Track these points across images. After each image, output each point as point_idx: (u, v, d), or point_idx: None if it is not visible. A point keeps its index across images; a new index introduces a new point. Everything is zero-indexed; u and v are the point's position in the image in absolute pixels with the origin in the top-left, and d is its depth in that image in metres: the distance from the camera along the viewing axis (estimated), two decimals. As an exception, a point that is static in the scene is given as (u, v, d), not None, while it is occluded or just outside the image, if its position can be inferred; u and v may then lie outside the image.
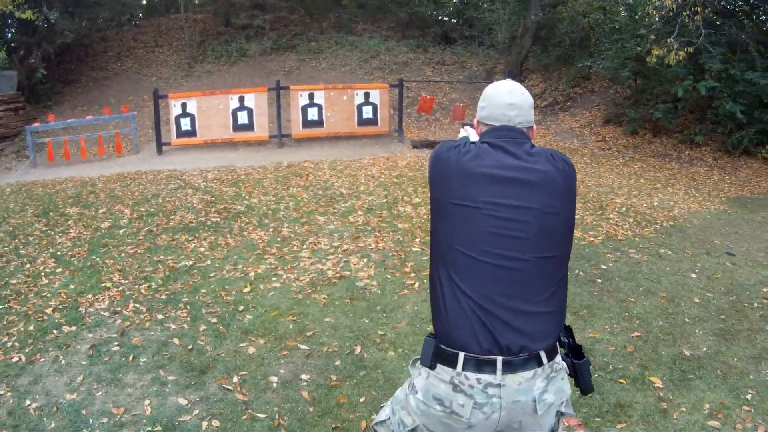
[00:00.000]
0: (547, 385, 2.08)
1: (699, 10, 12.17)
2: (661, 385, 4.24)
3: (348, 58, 20.65)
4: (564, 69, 18.25)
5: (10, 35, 19.18)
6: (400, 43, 21.62)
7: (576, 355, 2.23)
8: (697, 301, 5.81)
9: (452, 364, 2.05)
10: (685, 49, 11.97)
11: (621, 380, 4.30)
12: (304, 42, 21.58)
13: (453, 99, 17.91)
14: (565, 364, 2.20)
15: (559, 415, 2.19)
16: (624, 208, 9.03)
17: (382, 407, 2.47)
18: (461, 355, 2.03)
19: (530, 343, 2.03)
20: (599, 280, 6.19)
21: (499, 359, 2.00)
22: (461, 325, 2.04)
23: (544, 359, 2.07)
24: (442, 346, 2.08)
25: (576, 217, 6.80)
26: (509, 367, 2.01)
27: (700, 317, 5.43)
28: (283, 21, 22.67)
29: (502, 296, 2.03)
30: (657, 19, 12.97)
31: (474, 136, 2.42)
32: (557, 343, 2.17)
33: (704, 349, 4.81)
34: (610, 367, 4.47)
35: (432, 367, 2.10)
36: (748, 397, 4.15)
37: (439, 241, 2.14)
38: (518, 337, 2.02)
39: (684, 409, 3.99)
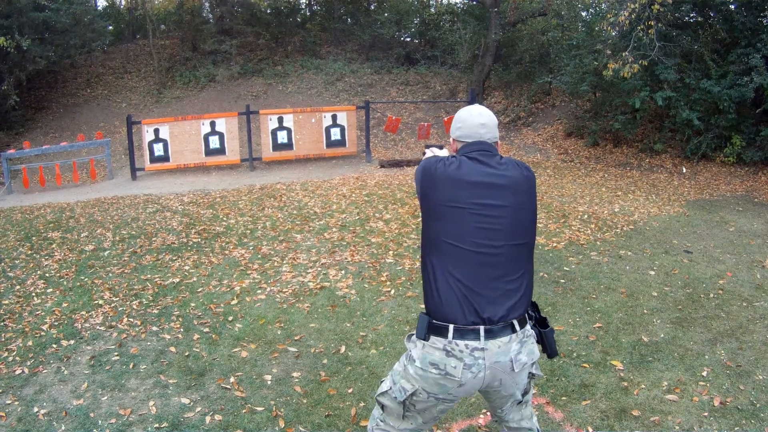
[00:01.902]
0: (521, 347, 2.57)
1: (652, 23, 12.73)
2: (622, 368, 4.66)
3: (314, 81, 21.05)
4: (525, 85, 18.80)
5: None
6: (364, 65, 22.14)
7: (542, 325, 2.75)
8: (655, 294, 6.25)
9: (444, 334, 2.51)
10: (640, 62, 12.45)
11: (585, 365, 4.70)
12: (270, 66, 21.98)
13: (418, 119, 18.35)
14: (533, 332, 2.70)
15: (530, 376, 2.70)
16: (586, 216, 9.44)
17: (382, 381, 2.87)
18: (451, 327, 2.50)
19: (506, 314, 2.52)
20: (563, 281, 6.60)
21: (482, 328, 2.48)
22: (450, 303, 2.51)
23: (517, 327, 2.56)
24: (434, 321, 2.55)
25: (539, 225, 7.26)
26: (490, 334, 2.49)
27: (658, 308, 5.87)
28: (250, 46, 23.06)
29: (483, 278, 2.52)
30: (613, 34, 13.47)
31: (443, 155, 2.97)
32: (526, 315, 2.66)
33: (662, 335, 5.25)
34: (575, 354, 4.87)
35: (426, 338, 2.56)
36: (704, 374, 4.58)
37: (431, 237, 2.61)
38: (496, 309, 2.51)
39: (643, 386, 4.40)
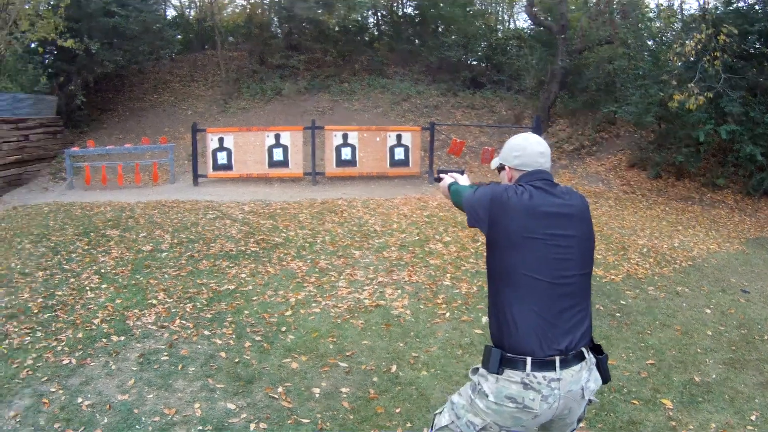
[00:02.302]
0: (589, 375, 2.60)
1: (718, 55, 12.40)
2: (671, 407, 4.52)
3: (380, 99, 21.13)
4: (590, 114, 18.48)
5: (49, 61, 19.83)
6: (430, 87, 22.12)
7: (597, 352, 2.70)
8: (710, 333, 6.07)
9: (520, 367, 2.48)
10: (705, 94, 12.13)
11: (634, 401, 4.57)
12: (337, 83, 22.15)
13: (482, 142, 18.21)
14: (593, 359, 2.69)
15: (588, 402, 2.68)
16: (645, 249, 9.22)
17: (437, 414, 2.82)
18: (528, 359, 2.47)
19: (578, 343, 2.54)
20: (618, 314, 6.44)
21: (557, 358, 2.48)
22: (529, 336, 2.49)
23: (586, 354, 2.60)
24: (509, 354, 2.52)
25: (598, 256, 7.14)
26: (564, 364, 2.49)
27: (711, 348, 5.70)
28: (317, 62, 23.32)
29: (559, 308, 2.52)
30: (678, 64, 13.19)
31: (464, 181, 3.06)
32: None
33: (713, 376, 5.08)
34: (625, 390, 4.74)
35: (500, 372, 2.52)
36: (753, 418, 4.44)
37: (505, 268, 2.58)
38: (569, 338, 2.52)
39: (691, 427, 4.27)
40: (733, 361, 5.39)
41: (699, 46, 12.35)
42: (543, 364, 2.47)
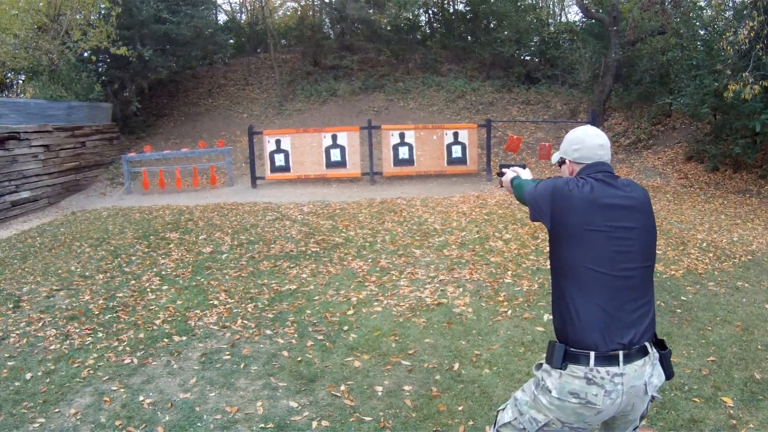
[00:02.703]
0: (653, 370, 2.56)
1: None
2: (732, 405, 4.39)
3: (435, 98, 21.11)
4: (645, 107, 18.13)
5: (103, 68, 20.35)
6: (485, 83, 22.05)
7: (660, 347, 2.66)
8: None
9: (584, 362, 2.47)
10: (761, 83, 11.76)
11: (695, 399, 4.46)
12: (391, 82, 22.22)
13: (538, 138, 18.04)
14: (657, 354, 2.65)
15: (651, 399, 2.65)
16: (704, 244, 8.98)
17: (500, 410, 2.82)
18: (592, 354, 2.46)
19: (641, 337, 2.51)
20: (679, 311, 6.28)
21: (621, 353, 2.45)
22: (592, 329, 2.47)
23: (650, 349, 2.56)
24: (572, 349, 2.51)
25: (658, 251, 6.89)
26: (628, 358, 2.46)
27: None
28: (371, 62, 23.42)
29: (621, 301, 2.50)
30: (732, 53, 12.82)
31: (526, 175, 3.07)
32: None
33: None
34: (686, 387, 4.63)
35: (563, 367, 2.51)
36: None
37: (567, 262, 2.57)
38: (633, 333, 2.49)
39: (752, 425, 4.14)
40: (795, 359, 5.24)
41: (752, 34, 11.99)
42: (606, 359, 2.45)
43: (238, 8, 30.45)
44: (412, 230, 9.62)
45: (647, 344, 2.54)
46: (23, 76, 18.81)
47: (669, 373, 2.66)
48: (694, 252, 8.51)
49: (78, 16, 17.45)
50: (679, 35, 16.72)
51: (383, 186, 14.55)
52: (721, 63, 13.42)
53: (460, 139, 15.06)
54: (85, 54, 18.01)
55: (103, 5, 17.62)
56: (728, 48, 12.70)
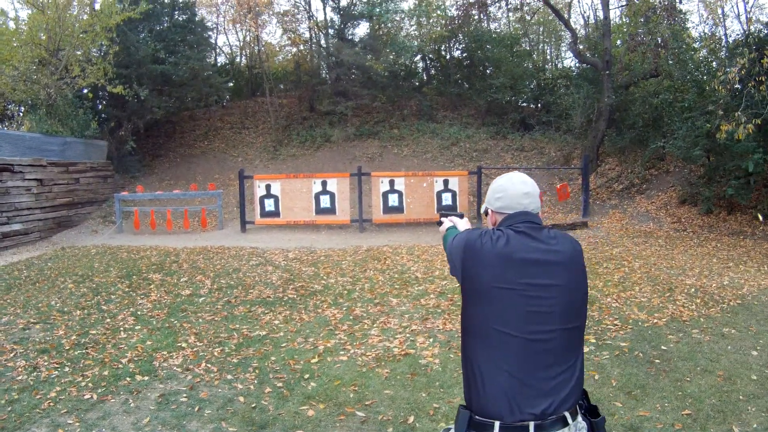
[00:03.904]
0: None
1: (763, 79, 12.10)
2: None
3: (429, 145, 21.49)
4: (639, 151, 18.31)
5: (101, 106, 20.74)
6: (480, 130, 22.47)
7: (592, 415, 2.48)
8: (755, 378, 5.76)
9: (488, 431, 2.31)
10: (753, 121, 11.80)
11: None
12: (386, 129, 22.69)
13: (532, 185, 18.21)
14: (585, 424, 2.45)
15: None
16: (693, 289, 8.97)
17: None
18: (497, 424, 2.29)
19: (558, 406, 2.31)
20: (657, 361, 6.21)
21: (532, 424, 2.27)
22: (497, 397, 2.30)
23: (569, 419, 2.34)
24: (477, 417, 2.35)
25: (643, 299, 6.91)
26: (540, 430, 2.28)
27: (755, 394, 5.40)
28: (366, 108, 23.94)
29: (535, 367, 2.31)
30: (724, 93, 12.92)
31: (462, 226, 2.88)
32: (577, 405, 2.43)
33: (754, 426, 4.80)
34: None
35: None
36: None
37: (475, 322, 2.41)
38: (548, 402, 2.29)
39: None
40: (778, 408, 5.15)
41: (743, 72, 12.14)
42: (514, 430, 2.28)
43: (237, 51, 31.07)
44: (392, 278, 9.76)
45: (567, 414, 2.33)
46: (23, 109, 19.19)
47: None
48: (681, 298, 8.49)
49: (78, 52, 17.88)
50: (671, 77, 16.99)
51: (372, 233, 14.75)
52: (713, 103, 13.56)
53: (450, 186, 15.33)
54: (84, 91, 18.42)
55: (103, 43, 18.05)
56: (719, 88, 12.80)
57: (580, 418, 2.41)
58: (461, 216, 3.04)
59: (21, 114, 20.71)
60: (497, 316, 2.32)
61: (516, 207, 2.52)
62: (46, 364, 6.14)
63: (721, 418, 4.94)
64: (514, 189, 2.54)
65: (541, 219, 2.54)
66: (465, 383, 2.45)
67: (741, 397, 5.34)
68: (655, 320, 7.52)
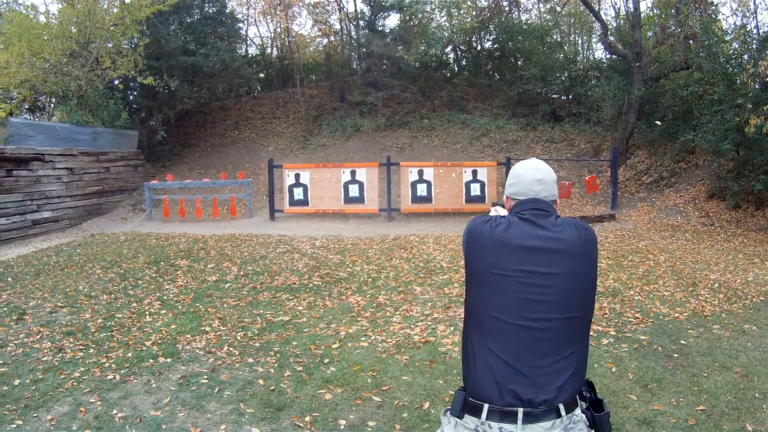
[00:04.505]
0: None
1: None
2: None
3: (459, 135, 21.44)
4: (669, 144, 18.06)
5: (132, 97, 21.01)
6: (510, 122, 22.33)
7: (596, 409, 2.43)
8: None
9: (477, 414, 2.33)
10: None
11: None
12: (416, 119, 22.63)
13: (561, 177, 18.08)
14: (584, 417, 2.41)
15: None
16: (716, 284, 8.86)
17: None
18: (486, 406, 2.31)
19: (551, 397, 2.28)
20: (676, 355, 6.14)
21: (520, 410, 2.27)
22: (487, 380, 2.33)
23: (563, 411, 2.30)
24: (470, 398, 2.37)
25: (665, 293, 6.78)
26: (530, 418, 2.27)
27: None
28: (396, 99, 23.92)
29: (529, 355, 2.30)
30: (756, 87, 12.71)
31: (503, 213, 2.75)
32: (578, 397, 2.40)
33: None
34: None
35: (460, 416, 2.39)
36: None
37: (474, 307, 2.43)
38: (540, 391, 2.28)
39: None
40: (793, 408, 5.04)
41: None
42: (502, 414, 2.29)
43: (268, 43, 31.27)
44: (417, 267, 9.79)
45: (561, 405, 2.30)
46: (54, 100, 19.53)
47: None
48: (704, 293, 8.39)
49: (108, 45, 18.13)
50: (701, 70, 16.78)
51: (400, 222, 14.79)
52: (743, 97, 13.39)
53: (479, 177, 15.31)
54: (115, 82, 18.68)
55: (133, 35, 18.28)
56: (749, 81, 12.64)
57: (578, 411, 2.39)
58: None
59: (52, 105, 21.07)
60: (493, 302, 2.34)
61: (527, 193, 2.50)
62: (71, 345, 6.28)
63: (736, 415, 4.86)
64: (527, 175, 2.53)
65: (553, 207, 2.51)
66: (463, 365, 2.48)
67: (757, 395, 5.25)
68: (677, 314, 7.44)
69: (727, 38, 16.64)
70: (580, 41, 28.52)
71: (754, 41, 15.99)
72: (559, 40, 26.36)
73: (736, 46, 16.11)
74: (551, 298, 2.30)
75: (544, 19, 26.77)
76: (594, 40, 27.45)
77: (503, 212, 2.75)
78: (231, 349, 6.21)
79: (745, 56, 15.25)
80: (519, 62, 24.53)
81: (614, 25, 24.48)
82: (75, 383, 5.28)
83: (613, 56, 20.98)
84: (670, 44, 18.48)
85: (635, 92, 17.71)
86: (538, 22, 26.34)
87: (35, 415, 4.69)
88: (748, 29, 16.80)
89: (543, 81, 22.91)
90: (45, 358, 5.92)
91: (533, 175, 2.51)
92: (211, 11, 23.01)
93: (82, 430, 4.43)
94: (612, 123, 19.43)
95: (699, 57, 16.90)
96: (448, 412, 2.48)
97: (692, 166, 17.52)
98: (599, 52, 27.44)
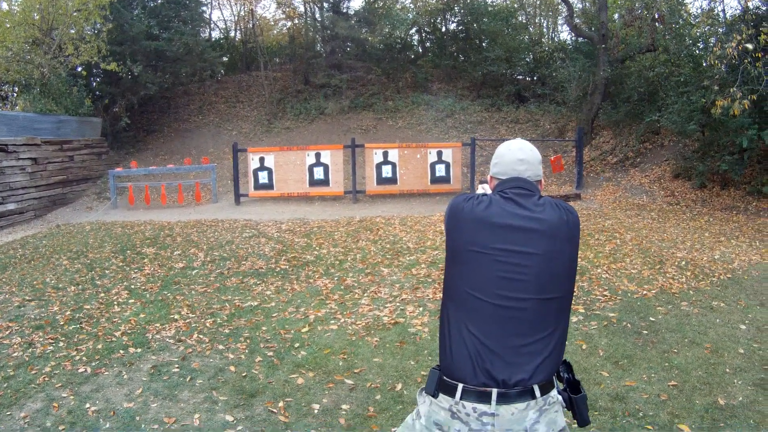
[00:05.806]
0: (539, 416, 2.30)
1: (760, 56, 12.08)
2: None
3: (424, 117, 21.46)
4: (634, 125, 18.28)
5: (95, 84, 20.70)
6: (474, 102, 22.43)
7: (573, 390, 2.44)
8: (742, 351, 5.77)
9: (452, 393, 2.32)
10: (750, 97, 11.81)
11: (648, 426, 4.35)
12: (381, 101, 22.62)
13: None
14: (560, 398, 2.42)
15: None
16: (683, 262, 9.01)
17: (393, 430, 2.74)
18: (460, 386, 2.30)
19: (527, 378, 2.27)
20: (645, 332, 6.25)
21: (494, 391, 2.25)
22: (462, 360, 2.31)
23: (538, 393, 2.29)
24: (445, 377, 2.36)
25: (633, 271, 6.88)
26: (504, 399, 2.25)
27: (741, 367, 5.40)
28: (361, 81, 23.88)
29: (503, 334, 2.29)
30: (722, 68, 12.91)
31: (489, 191, 2.71)
32: (554, 378, 2.41)
33: (740, 399, 4.79)
34: (641, 414, 4.53)
35: (435, 395, 2.38)
36: None
37: (451, 284, 2.41)
38: (514, 371, 2.26)
39: None
40: (764, 382, 5.09)
41: (740, 48, 12.05)
42: (476, 395, 2.27)
43: (232, 26, 30.94)
44: (384, 249, 9.84)
45: (536, 386, 2.28)
46: (17, 89, 19.19)
47: (581, 421, 2.41)
48: (671, 271, 8.54)
49: (71, 31, 17.83)
50: (667, 52, 16.94)
51: (366, 204, 14.81)
52: (709, 79, 13.54)
53: (444, 158, 15.34)
54: (78, 69, 18.39)
55: (97, 21, 17.99)
56: (716, 63, 12.79)
57: (554, 392, 2.38)
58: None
59: (15, 94, 20.68)
60: (470, 279, 2.33)
61: (510, 173, 2.49)
62: (41, 340, 6.23)
63: (707, 390, 4.94)
64: (510, 155, 2.52)
65: (537, 187, 2.49)
66: (440, 344, 2.44)
67: (727, 370, 5.34)
68: (645, 292, 7.56)
69: (694, 21, 16.84)
70: (545, 23, 28.60)
71: (722, 25, 16.19)
72: (524, 21, 26.40)
73: (706, 29, 16.29)
74: (527, 277, 2.28)
75: (509, 1, 26.77)
76: (560, 22, 27.54)
77: (488, 189, 2.74)
78: (201, 336, 6.23)
79: (712, 39, 15.44)
80: (484, 44, 24.47)
81: (580, 6, 24.60)
82: (47, 378, 5.26)
83: (579, 38, 21.09)
84: (638, 26, 18.61)
85: (601, 74, 17.83)
86: (503, 3, 26.31)
87: (8, 413, 4.66)
88: (715, 13, 16.98)
89: (508, 62, 23.01)
90: (15, 354, 5.88)
91: (516, 155, 2.50)
92: (174, -5, 22.67)
93: (56, 426, 4.42)
94: (577, 104, 19.57)
95: (666, 39, 17.07)
96: (423, 391, 2.48)
97: (657, 146, 17.75)
98: (564, 34, 27.53)
